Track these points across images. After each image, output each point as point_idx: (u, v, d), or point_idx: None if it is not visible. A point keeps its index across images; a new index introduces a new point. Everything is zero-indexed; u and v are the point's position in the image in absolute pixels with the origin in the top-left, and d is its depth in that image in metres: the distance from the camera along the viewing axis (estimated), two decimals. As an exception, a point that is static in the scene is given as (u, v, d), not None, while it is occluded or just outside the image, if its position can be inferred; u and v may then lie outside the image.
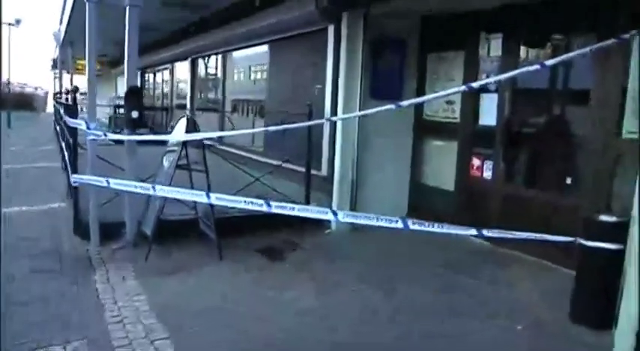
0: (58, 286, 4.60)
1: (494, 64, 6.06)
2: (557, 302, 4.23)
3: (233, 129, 11.43)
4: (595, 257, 3.95)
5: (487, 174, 6.15)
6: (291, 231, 6.17)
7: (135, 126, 5.62)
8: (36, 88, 48.27)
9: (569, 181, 5.45)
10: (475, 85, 4.14)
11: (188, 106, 14.97)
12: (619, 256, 3.61)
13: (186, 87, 15.61)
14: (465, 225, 4.17)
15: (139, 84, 5.82)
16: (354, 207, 6.65)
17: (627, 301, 3.48)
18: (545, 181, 5.79)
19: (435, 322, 4.09)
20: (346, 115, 6.07)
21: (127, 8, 5.52)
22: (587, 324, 3.97)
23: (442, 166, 6.78)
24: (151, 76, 21.42)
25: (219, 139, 11.52)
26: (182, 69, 16.26)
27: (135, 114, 5.52)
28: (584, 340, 3.79)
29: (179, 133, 5.50)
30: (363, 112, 6.04)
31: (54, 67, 27.61)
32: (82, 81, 31.70)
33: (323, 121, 5.12)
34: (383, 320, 4.12)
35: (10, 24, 31.58)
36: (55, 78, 26.62)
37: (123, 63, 18.48)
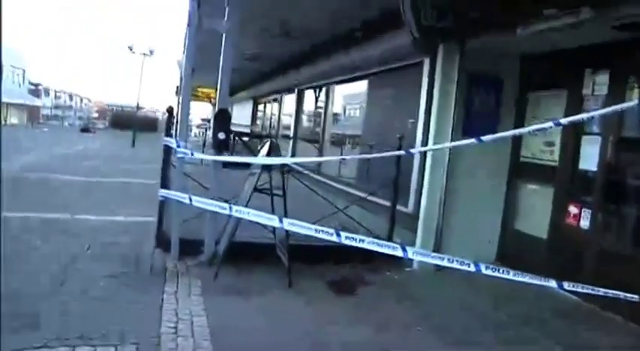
0: (128, 292, 4.79)
1: (600, 103, 5.59)
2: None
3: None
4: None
5: (584, 223, 5.63)
6: (369, 266, 5.99)
7: (221, 147, 5.77)
8: (163, 113, 52.01)
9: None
10: (564, 121, 3.80)
11: (291, 135, 15.33)
12: None
13: (291, 119, 16.08)
14: (553, 277, 3.81)
15: (229, 108, 5.97)
16: (438, 247, 6.34)
17: None
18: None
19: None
20: (426, 148, 5.87)
21: (224, 34, 5.73)
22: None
23: (536, 212, 6.33)
24: (262, 106, 22.30)
25: (318, 169, 11.69)
26: (289, 100, 16.76)
27: (222, 135, 5.68)
28: None
29: (262, 156, 5.57)
30: (441, 146, 5.81)
31: (177, 93, 29.58)
32: (200, 107, 33.69)
33: (402, 152, 4.97)
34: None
35: (144, 54, 34.56)
36: (178, 104, 28.46)
37: (237, 93, 19.46)
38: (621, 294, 3.61)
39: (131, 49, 34.86)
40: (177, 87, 28.09)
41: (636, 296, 3.54)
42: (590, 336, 4.63)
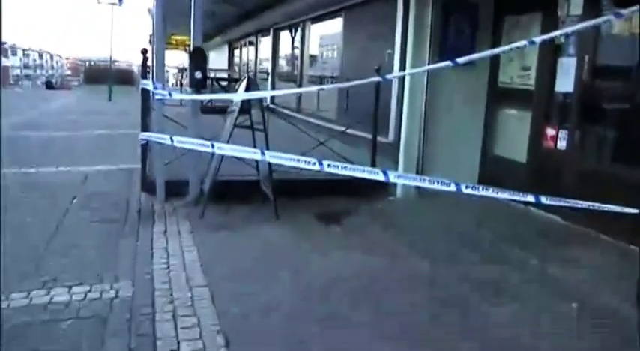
0: (118, 236, 4.87)
1: (575, 24, 5.60)
2: (621, 284, 3.85)
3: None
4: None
5: (561, 145, 5.74)
6: (355, 196, 6.10)
7: (199, 86, 5.73)
8: (138, 66, 50.94)
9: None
10: (537, 39, 3.84)
11: (269, 78, 15.22)
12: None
13: (268, 62, 15.91)
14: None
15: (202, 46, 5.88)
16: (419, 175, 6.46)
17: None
18: (624, 153, 5.31)
19: (473, 292, 3.87)
20: (403, 73, 5.88)
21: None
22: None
23: (515, 136, 6.43)
24: (238, 51, 21.94)
25: (297, 107, 11.71)
26: (265, 43, 16.53)
27: (198, 74, 5.63)
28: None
29: (240, 92, 5.55)
30: (418, 70, 5.83)
31: (151, 42, 28.88)
32: (176, 56, 32.99)
33: (379, 78, 4.97)
34: (417, 284, 4.00)
35: (112, 3, 33.38)
36: (152, 53, 27.85)
37: (213, 38, 19.08)
38: (596, 204, 3.72)
39: (98, 1, 33.68)
40: (151, 36, 27.43)
41: (613, 207, 3.64)
42: (567, 250, 4.81)
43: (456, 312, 3.55)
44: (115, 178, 7.26)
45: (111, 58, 33.66)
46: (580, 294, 3.85)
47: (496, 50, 4.50)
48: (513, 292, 3.90)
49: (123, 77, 35.91)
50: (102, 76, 33.25)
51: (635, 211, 3.54)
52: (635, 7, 3.60)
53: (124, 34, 52.90)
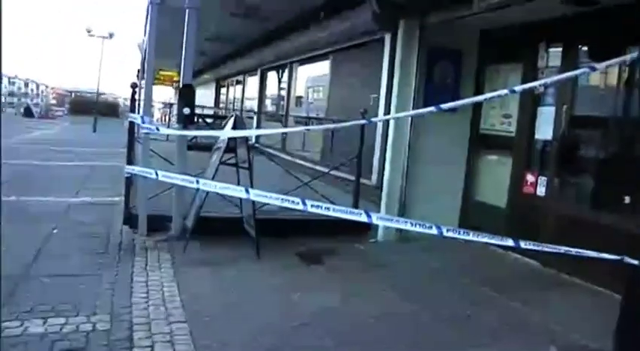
0: (98, 267, 4.82)
1: (553, 75, 5.81)
2: (600, 328, 3.92)
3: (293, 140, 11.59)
4: (643, 279, 3.63)
5: (540, 190, 5.87)
6: (336, 237, 6.11)
7: (187, 122, 5.79)
8: (124, 99, 50.99)
9: (627, 200, 5.10)
10: (518, 88, 3.99)
11: (255, 117, 15.36)
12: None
13: (254, 101, 16.12)
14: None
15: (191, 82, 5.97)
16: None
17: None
18: (601, 199, 5.45)
19: (453, 334, 3.91)
20: (385, 117, 6.01)
21: (187, 10, 5.73)
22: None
23: (496, 181, 6.56)
24: (224, 89, 22.18)
25: (283, 147, 11.80)
26: (252, 82, 16.75)
27: (187, 110, 5.70)
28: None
29: (227, 130, 5.62)
30: (403, 114, 5.97)
31: (139, 77, 29.09)
32: (163, 91, 33.17)
33: (364, 121, 5.09)
34: (398, 324, 4.02)
35: (103, 37, 33.73)
36: (140, 87, 28.01)
37: (201, 75, 19.21)
38: (573, 250, 3.80)
39: (89, 33, 33.90)
40: (139, 70, 27.64)
41: (590, 252, 3.72)
42: (546, 294, 4.88)
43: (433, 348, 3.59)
44: (98, 210, 7.22)
45: (98, 90, 33.75)
46: (555, 336, 3.90)
47: (478, 97, 4.65)
48: (492, 333, 3.93)
49: (108, 109, 35.88)
50: (87, 107, 33.19)
51: (614, 257, 3.65)
52: (609, 62, 3.79)
53: (112, 66, 53.15)
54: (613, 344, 3.71)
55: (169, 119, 23.53)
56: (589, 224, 5.19)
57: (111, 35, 34.11)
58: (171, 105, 23.28)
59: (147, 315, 3.79)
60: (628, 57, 3.90)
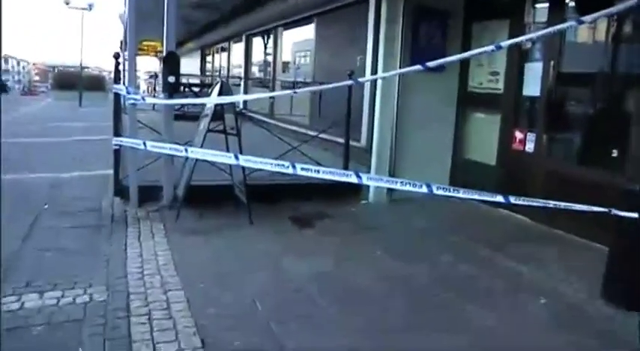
0: (92, 240, 4.85)
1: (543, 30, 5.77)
2: (588, 280, 4.01)
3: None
4: (629, 230, 3.66)
5: (529, 147, 5.90)
6: (327, 201, 6.17)
7: (172, 90, 5.73)
8: (109, 72, 50.22)
9: (615, 154, 5.13)
10: (504, 44, 3.95)
11: (242, 84, 15.23)
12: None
13: (240, 69, 15.94)
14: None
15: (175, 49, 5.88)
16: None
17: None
18: (588, 154, 5.49)
19: (448, 292, 3.96)
20: (372, 77, 5.98)
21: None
22: (618, 303, 3.69)
23: (485, 139, 6.57)
24: (210, 57, 21.90)
25: (270, 113, 11.75)
26: (238, 49, 16.55)
27: (172, 79, 5.64)
28: (613, 319, 3.55)
29: (213, 97, 5.57)
30: (389, 73, 5.93)
31: (122, 48, 28.60)
32: (147, 62, 32.68)
33: (351, 82, 5.04)
34: (392, 285, 4.06)
35: (82, 9, 32.98)
36: (124, 59, 27.60)
37: (185, 44, 18.83)
38: (562, 204, 3.84)
39: (68, 4, 33.13)
40: (122, 41, 27.18)
41: (579, 206, 3.77)
42: (535, 249, 4.94)
43: (431, 308, 3.66)
44: (89, 184, 7.18)
45: (81, 64, 33.21)
46: (546, 289, 3.98)
47: (465, 54, 4.63)
48: (485, 289, 4.01)
49: (93, 83, 35.37)
50: (72, 82, 32.69)
51: (602, 209, 3.70)
52: (596, 14, 3.76)
53: (95, 39, 52.07)
54: (601, 294, 3.82)
55: (155, 89, 23.29)
56: (577, 179, 5.23)
57: (90, 6, 33.34)
58: (156, 75, 22.98)
59: (142, 284, 3.82)
60: (614, 9, 3.89)
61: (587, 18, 3.91)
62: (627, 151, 4.88)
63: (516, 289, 4.06)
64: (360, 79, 5.54)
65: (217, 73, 20.33)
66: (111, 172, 6.20)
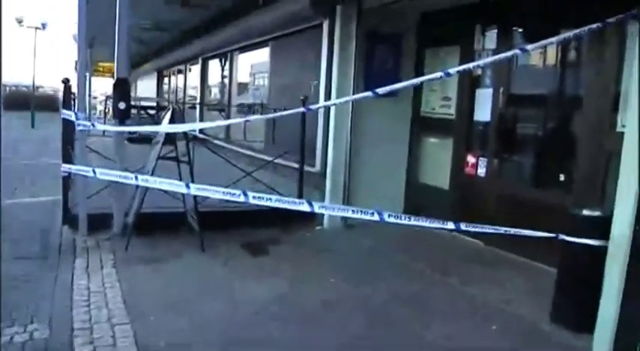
0: (37, 272, 4.65)
1: (489, 57, 5.91)
2: (538, 303, 4.07)
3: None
4: (576, 254, 3.75)
5: (481, 171, 6.00)
6: (282, 227, 6.13)
7: (123, 116, 5.63)
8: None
9: (562, 178, 5.27)
10: (452, 71, 4.05)
11: (197, 107, 15.13)
12: (602, 254, 3.41)
13: (197, 90, 15.86)
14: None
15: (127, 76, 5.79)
16: (346, 204, 6.54)
17: (606, 304, 3.32)
18: (537, 178, 5.63)
19: (401, 313, 4.00)
20: (324, 104, 6.02)
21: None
22: (567, 325, 3.76)
23: (438, 164, 6.66)
24: (166, 79, 21.72)
25: (227, 137, 11.67)
26: (194, 71, 16.48)
27: (122, 105, 5.53)
28: (562, 342, 3.61)
29: (164, 124, 5.50)
30: (340, 100, 5.98)
31: (76, 69, 28.01)
32: (102, 83, 32.15)
33: (303, 109, 5.06)
34: (348, 307, 4.08)
35: (36, 28, 32.21)
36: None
37: (142, 65, 18.58)
38: (512, 230, 3.90)
39: (20, 23, 32.21)
40: (76, 62, 26.64)
41: (526, 231, 3.83)
42: (487, 272, 5.02)
43: (384, 328, 3.72)
44: (37, 211, 6.93)
45: (34, 84, 32.35)
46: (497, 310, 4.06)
47: (415, 80, 4.70)
48: (439, 310, 4.06)
49: (47, 103, 34.40)
50: (24, 102, 31.76)
51: (550, 235, 3.78)
52: (538, 44, 3.90)
53: (50, 59, 50.86)
54: (550, 316, 3.89)
55: (107, 112, 22.85)
56: (528, 203, 5.33)
57: (44, 25, 32.56)
58: (111, 98, 22.54)
59: (88, 319, 3.69)
60: (554, 39, 4.02)
61: (530, 47, 4.05)
62: (572, 174, 5.04)
63: (469, 310, 4.10)
64: (312, 107, 5.55)
65: (174, 95, 20.15)
66: (60, 197, 6.00)
